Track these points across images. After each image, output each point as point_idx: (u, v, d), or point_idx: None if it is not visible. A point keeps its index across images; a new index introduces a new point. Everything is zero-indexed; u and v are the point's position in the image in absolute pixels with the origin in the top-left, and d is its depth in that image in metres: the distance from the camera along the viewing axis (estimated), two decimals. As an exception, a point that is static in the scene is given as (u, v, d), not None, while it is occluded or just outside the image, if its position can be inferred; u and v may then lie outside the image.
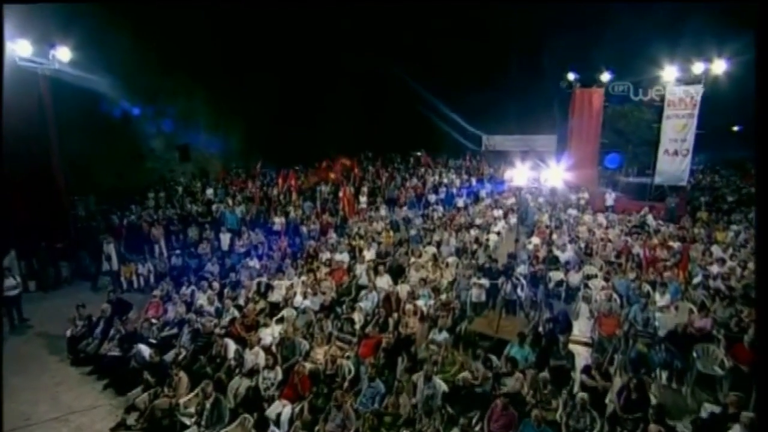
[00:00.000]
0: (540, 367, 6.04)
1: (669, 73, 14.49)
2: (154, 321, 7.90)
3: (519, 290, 8.38)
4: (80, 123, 12.92)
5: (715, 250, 10.49)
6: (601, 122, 16.09)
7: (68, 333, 7.71)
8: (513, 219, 13.40)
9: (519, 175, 7.70)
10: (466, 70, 22.57)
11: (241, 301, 8.58)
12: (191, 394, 6.00)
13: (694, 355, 6.43)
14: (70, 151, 11.82)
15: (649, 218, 13.77)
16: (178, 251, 11.46)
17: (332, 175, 16.41)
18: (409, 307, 7.74)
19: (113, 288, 9.83)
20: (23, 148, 10.07)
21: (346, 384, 6.12)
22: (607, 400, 5.62)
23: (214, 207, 14.46)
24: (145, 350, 6.90)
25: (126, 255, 11.42)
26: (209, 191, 16.52)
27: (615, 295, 8.30)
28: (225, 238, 11.93)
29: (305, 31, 19.55)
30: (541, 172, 7.76)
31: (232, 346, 6.81)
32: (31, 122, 10.19)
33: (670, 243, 11.16)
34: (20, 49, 9.60)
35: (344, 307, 8.40)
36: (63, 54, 10.32)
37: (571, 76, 16.04)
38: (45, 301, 10.06)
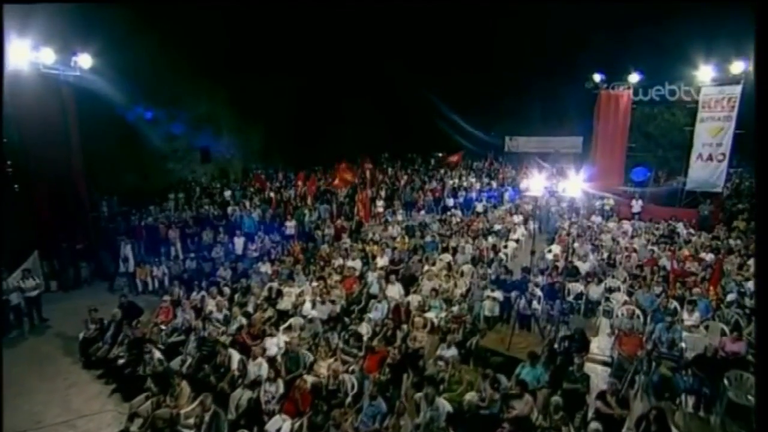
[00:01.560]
0: (552, 389, 5.69)
1: (704, 72, 13.60)
2: (163, 327, 7.91)
3: (536, 302, 8.01)
4: (105, 126, 13.20)
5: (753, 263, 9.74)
6: (629, 125, 15.31)
7: (81, 336, 7.83)
8: (533, 225, 12.90)
9: (536, 184, 7.32)
10: (489, 70, 22.05)
11: (250, 308, 8.49)
12: (192, 405, 5.93)
13: (725, 382, 5.89)
14: (95, 153, 12.11)
15: (680, 227, 12.99)
16: (192, 254, 11.55)
17: (342, 178, 16.17)
18: (418, 320, 7.51)
19: (127, 291, 9.97)
20: (47, 153, 10.44)
21: (348, 400, 5.94)
22: (624, 430, 5.23)
23: (229, 210, 14.54)
24: (157, 354, 6.92)
25: (144, 257, 11.63)
26: (227, 193, 16.67)
27: (638, 311, 7.80)
28: (239, 242, 11.96)
29: (325, 32, 19.50)
30: (560, 182, 7.35)
31: (236, 356, 6.73)
32: (54, 128, 10.50)
33: (702, 255, 10.47)
34: (44, 57, 9.88)
35: (353, 317, 8.22)
36: (84, 61, 10.58)
37: (597, 77, 15.30)
38: (65, 301, 10.28)
